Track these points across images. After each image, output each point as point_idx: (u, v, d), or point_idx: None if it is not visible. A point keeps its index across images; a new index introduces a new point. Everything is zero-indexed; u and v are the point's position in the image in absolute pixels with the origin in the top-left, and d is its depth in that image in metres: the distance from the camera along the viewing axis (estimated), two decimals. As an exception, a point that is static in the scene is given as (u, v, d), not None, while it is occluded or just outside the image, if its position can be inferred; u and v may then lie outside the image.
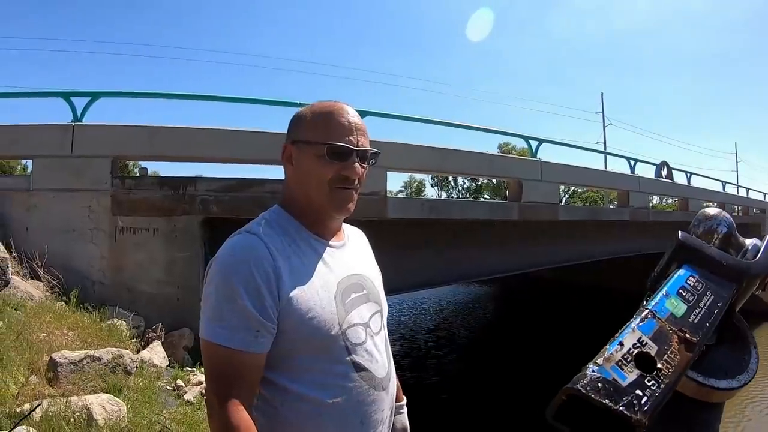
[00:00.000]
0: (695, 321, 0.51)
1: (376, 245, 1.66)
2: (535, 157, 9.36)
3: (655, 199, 16.85)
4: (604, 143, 32.47)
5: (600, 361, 0.47)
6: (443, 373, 12.60)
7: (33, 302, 4.86)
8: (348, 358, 1.34)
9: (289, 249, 1.33)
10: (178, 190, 5.84)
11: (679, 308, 0.52)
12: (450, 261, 8.24)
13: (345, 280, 1.41)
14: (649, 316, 0.52)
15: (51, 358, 3.75)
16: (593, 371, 0.46)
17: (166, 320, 5.37)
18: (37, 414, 3.05)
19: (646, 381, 0.44)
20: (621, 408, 0.42)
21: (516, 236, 9.02)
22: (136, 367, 4.24)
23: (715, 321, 0.52)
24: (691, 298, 0.53)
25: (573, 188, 28.81)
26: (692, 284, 0.55)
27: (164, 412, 3.89)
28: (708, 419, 0.54)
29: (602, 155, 13.82)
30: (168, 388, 4.41)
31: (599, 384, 0.44)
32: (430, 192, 42.55)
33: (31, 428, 2.78)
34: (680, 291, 0.54)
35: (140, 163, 13.02)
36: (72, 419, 3.14)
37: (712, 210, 0.66)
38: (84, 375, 3.78)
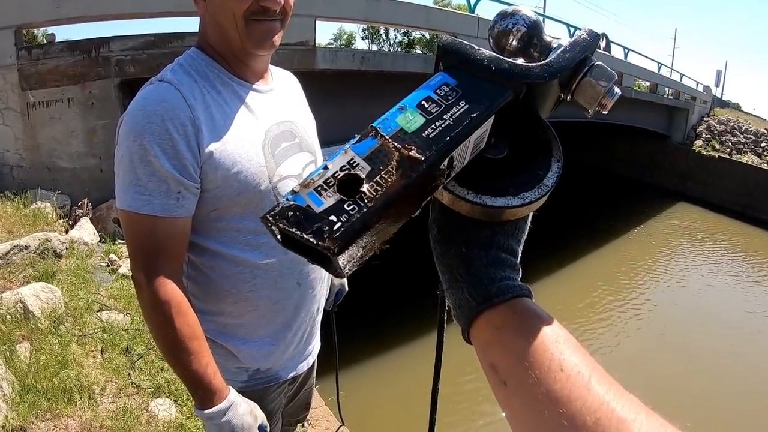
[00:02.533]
0: (431, 135, 0.42)
1: (305, 97, 1.49)
2: (473, 13, 9.11)
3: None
4: (544, 8, 31.97)
5: (297, 188, 0.39)
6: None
7: (-51, 202, 4.55)
8: None
9: (208, 96, 1.16)
10: (90, 53, 5.30)
11: (414, 122, 0.42)
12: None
13: (274, 128, 1.26)
14: (371, 133, 0.42)
15: (-24, 258, 3.54)
16: (287, 199, 0.38)
17: (92, 195, 5.14)
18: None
19: (345, 206, 0.37)
20: (306, 235, 0.36)
21: (450, 90, 8.99)
22: (66, 249, 4.07)
23: (463, 134, 0.42)
24: (435, 110, 0.43)
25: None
26: (443, 93, 0.44)
27: (101, 289, 3.83)
28: (492, 236, 0.49)
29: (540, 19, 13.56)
30: (102, 264, 4.32)
31: (290, 212, 0.38)
32: (361, 45, 41.02)
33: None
34: (423, 102, 0.44)
35: (48, 30, 11.77)
36: (8, 316, 3.05)
37: (510, 8, 0.53)
38: (13, 267, 3.63)
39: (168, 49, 5.37)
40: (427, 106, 0.44)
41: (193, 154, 1.11)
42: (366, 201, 0.38)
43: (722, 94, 27.16)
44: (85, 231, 4.63)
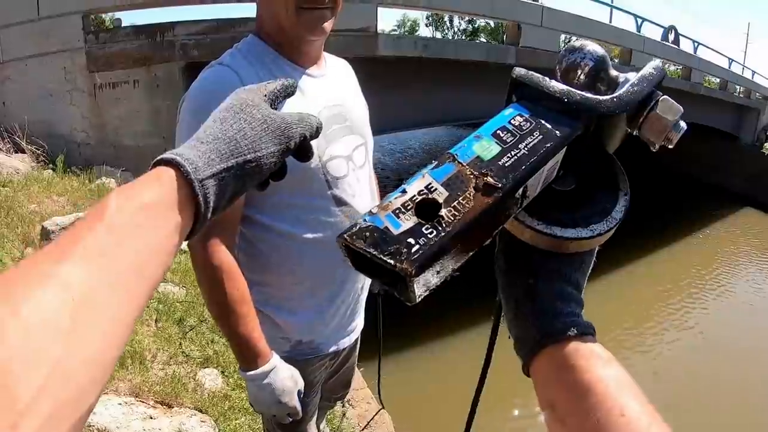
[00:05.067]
0: (506, 164, 0.42)
1: (366, 84, 1.53)
2: (538, 1, 8.97)
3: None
4: (612, -1, 31.07)
5: (375, 209, 0.40)
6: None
7: (19, 176, 4.83)
8: (329, 192, 1.30)
9: (264, 80, 1.19)
10: (155, 38, 5.52)
11: (490, 151, 0.43)
12: (442, 102, 8.17)
13: (325, 111, 1.30)
14: (448, 159, 0.43)
15: (42, 227, 3.76)
16: (364, 220, 0.39)
17: (155, 172, 5.31)
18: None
19: (423, 229, 0.38)
20: (384, 257, 0.36)
21: (513, 82, 8.79)
22: (127, 222, 4.21)
23: (538, 163, 0.42)
24: (510, 140, 0.43)
25: (572, 40, 28.05)
26: (517, 123, 0.45)
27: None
28: (558, 268, 0.49)
29: (608, 9, 13.21)
30: None
31: (367, 233, 0.38)
32: (425, 33, 40.78)
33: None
34: (498, 131, 0.44)
35: (115, 15, 12.25)
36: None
37: (578, 42, 0.54)
38: (75, 238, 3.78)
39: (231, 34, 5.49)
40: (502, 135, 0.45)
41: None
42: (444, 225, 0.39)
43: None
44: (147, 207, 4.80)
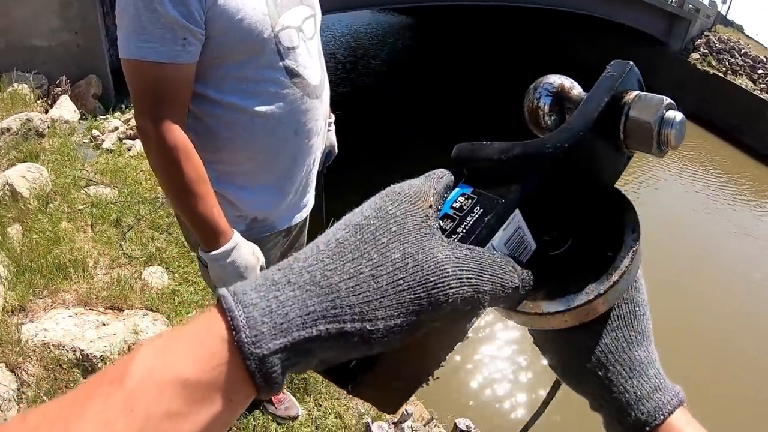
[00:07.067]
0: None
1: None
2: None
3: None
4: None
5: None
6: (365, 103, 11.59)
7: None
8: (281, 63, 1.25)
9: None
10: None
11: None
12: None
13: None
14: None
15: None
16: None
17: (69, 72, 4.95)
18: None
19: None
20: (339, 382, 0.36)
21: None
22: (48, 128, 4.00)
23: (483, 237, 0.37)
24: (449, 226, 0.38)
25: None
26: (458, 205, 0.39)
27: (86, 165, 3.81)
28: (591, 343, 0.42)
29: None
30: (85, 141, 4.27)
31: None
32: None
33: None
34: (440, 222, 0.39)
35: None
36: (-3, 199, 3.02)
37: (532, 84, 0.47)
38: (-3, 151, 3.55)
39: None
40: (443, 224, 0.38)
41: (199, 0, 1.10)
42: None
43: (727, 12, 25.74)
44: (66, 109, 4.52)
